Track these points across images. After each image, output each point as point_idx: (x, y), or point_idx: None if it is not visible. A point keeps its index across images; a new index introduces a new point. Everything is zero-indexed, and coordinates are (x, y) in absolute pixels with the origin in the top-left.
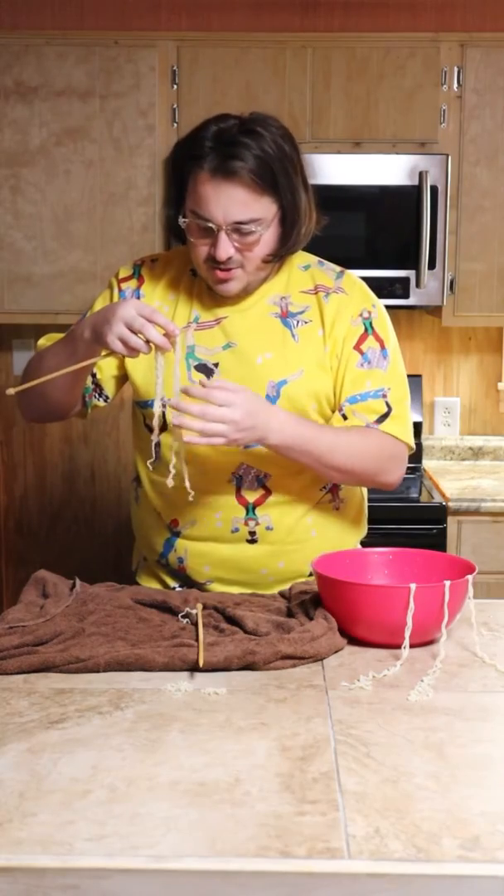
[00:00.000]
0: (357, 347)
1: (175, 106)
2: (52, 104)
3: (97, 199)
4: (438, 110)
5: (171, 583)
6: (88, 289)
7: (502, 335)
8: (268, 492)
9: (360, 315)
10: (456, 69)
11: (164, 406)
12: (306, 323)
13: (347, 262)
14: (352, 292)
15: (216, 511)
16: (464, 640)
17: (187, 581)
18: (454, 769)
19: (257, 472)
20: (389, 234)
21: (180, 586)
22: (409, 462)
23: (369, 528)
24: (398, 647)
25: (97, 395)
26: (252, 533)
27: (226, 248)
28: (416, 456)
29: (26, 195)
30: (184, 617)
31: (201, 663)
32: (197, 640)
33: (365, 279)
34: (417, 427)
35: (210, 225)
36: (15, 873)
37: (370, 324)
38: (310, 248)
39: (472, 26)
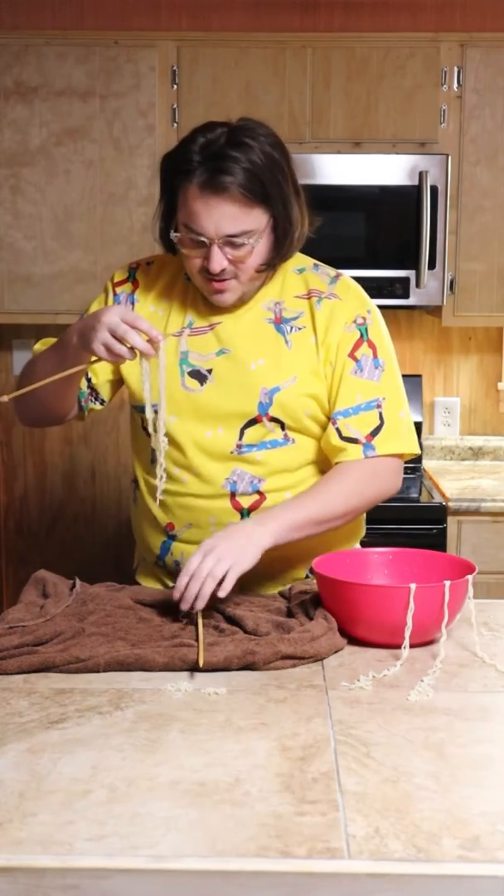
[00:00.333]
0: (352, 354)
1: (175, 106)
2: (52, 104)
3: (97, 199)
4: (438, 110)
5: (170, 583)
6: (88, 289)
7: (502, 335)
8: (262, 496)
9: (355, 321)
10: (456, 69)
11: (154, 411)
12: (300, 329)
13: (347, 262)
14: (346, 297)
15: (210, 516)
16: (464, 640)
17: None
18: (454, 769)
19: (252, 478)
20: (389, 234)
21: None
22: (410, 462)
23: (370, 528)
24: (398, 647)
25: (93, 399)
26: None
27: (219, 260)
28: (416, 456)
29: (26, 195)
30: (184, 616)
31: (201, 663)
32: (197, 640)
33: (365, 279)
34: (417, 427)
35: (202, 238)
36: (15, 873)
37: (365, 329)
38: (310, 249)
39: (472, 26)
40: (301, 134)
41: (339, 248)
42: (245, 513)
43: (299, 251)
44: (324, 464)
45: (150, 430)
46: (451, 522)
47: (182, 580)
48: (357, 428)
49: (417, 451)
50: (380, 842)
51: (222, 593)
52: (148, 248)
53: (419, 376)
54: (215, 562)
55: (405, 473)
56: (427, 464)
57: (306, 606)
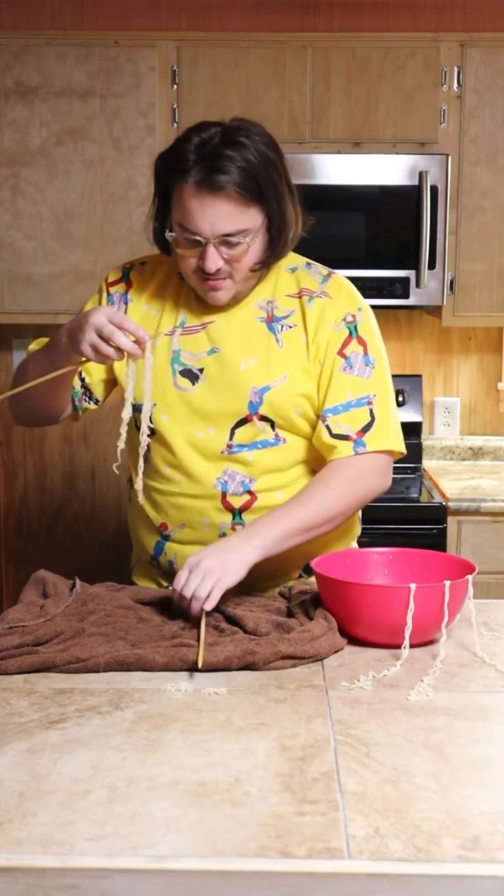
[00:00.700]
0: (341, 352)
1: (175, 106)
2: (52, 104)
3: (97, 199)
4: (438, 110)
5: (165, 583)
6: (88, 289)
7: (502, 335)
8: (253, 497)
9: (344, 319)
10: (456, 69)
11: (138, 410)
12: (291, 328)
13: (347, 263)
14: (337, 296)
15: (203, 516)
16: (464, 640)
17: None
18: (454, 769)
19: (243, 478)
20: (389, 234)
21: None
22: (410, 462)
23: (370, 528)
24: (398, 647)
25: (87, 399)
26: None
27: (214, 260)
28: (416, 456)
29: (26, 195)
30: (184, 615)
31: (200, 664)
32: (198, 640)
33: (365, 279)
34: (417, 427)
35: (197, 238)
36: (15, 873)
37: (355, 328)
38: (311, 249)
39: (472, 26)
40: (301, 134)
41: (339, 248)
42: (236, 513)
43: (294, 250)
44: (315, 463)
45: (144, 427)
46: (451, 522)
47: (174, 596)
48: (347, 424)
49: (404, 450)
50: (380, 842)
51: (208, 607)
52: (148, 247)
53: (419, 376)
54: (200, 579)
55: (405, 473)
56: (427, 464)
57: (306, 606)
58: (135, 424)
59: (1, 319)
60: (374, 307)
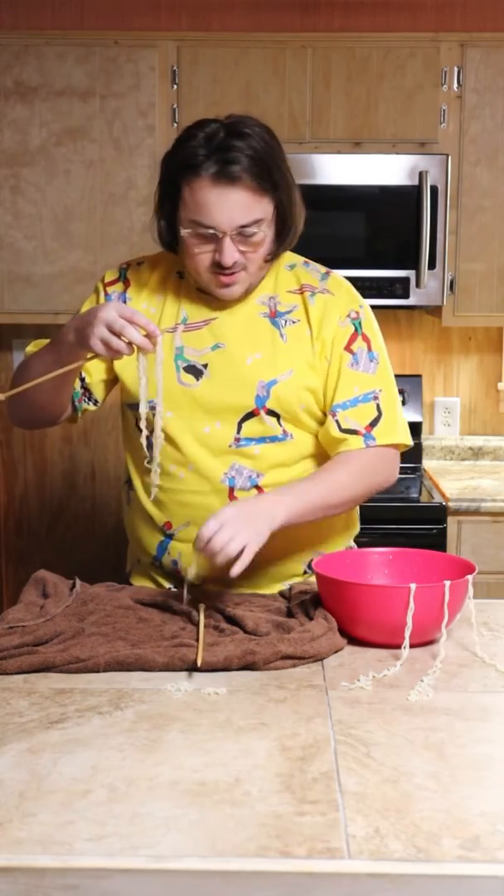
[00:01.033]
0: (347, 348)
1: (175, 106)
2: (52, 104)
3: (97, 199)
4: (438, 110)
5: (166, 584)
6: (88, 289)
7: (502, 335)
8: (261, 492)
9: (349, 316)
10: (456, 69)
11: (150, 408)
12: (294, 323)
13: (347, 262)
14: (338, 293)
15: (209, 512)
16: (464, 640)
17: (181, 583)
18: (454, 769)
19: (250, 472)
20: (389, 234)
21: (175, 588)
22: (410, 462)
23: (370, 528)
24: (398, 647)
25: (87, 400)
26: None
27: (231, 253)
28: (416, 456)
29: (26, 195)
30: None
31: (199, 663)
32: (197, 640)
33: (365, 279)
34: (417, 427)
35: (213, 232)
36: (15, 873)
37: (359, 324)
38: (311, 249)
39: (472, 26)
40: (301, 134)
41: (339, 248)
42: None
43: (294, 250)
44: (320, 458)
45: (143, 426)
46: (451, 522)
47: (198, 545)
48: (356, 419)
49: (411, 442)
50: (380, 842)
51: (235, 572)
52: (148, 248)
53: (419, 376)
54: (229, 539)
55: (405, 473)
56: (427, 464)
57: (306, 606)
58: (135, 424)
59: (1, 319)
60: (373, 307)
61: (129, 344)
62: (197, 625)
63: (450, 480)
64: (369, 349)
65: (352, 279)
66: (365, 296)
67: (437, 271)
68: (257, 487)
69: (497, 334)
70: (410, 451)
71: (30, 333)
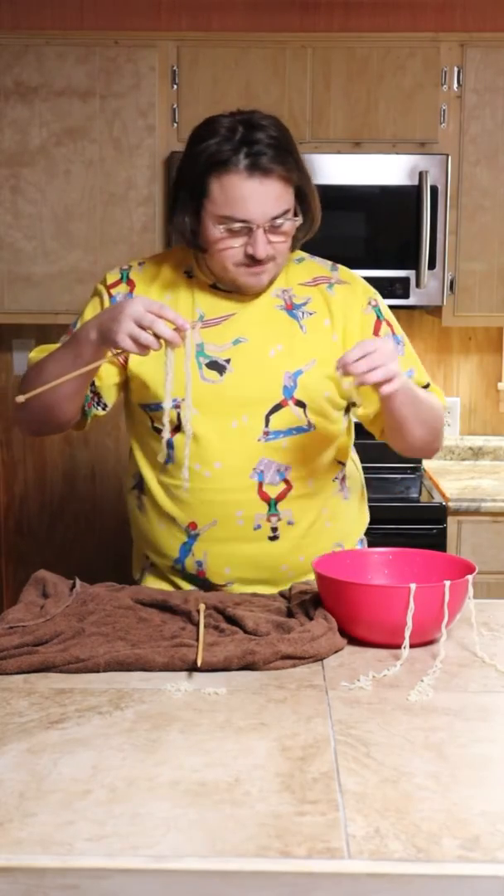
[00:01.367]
0: (376, 334)
1: (175, 106)
2: (52, 104)
3: (97, 199)
4: (438, 110)
5: (188, 587)
6: (88, 289)
7: (502, 335)
8: (289, 485)
9: (369, 304)
10: (456, 69)
11: (175, 406)
12: (311, 314)
13: (347, 262)
14: (353, 282)
15: (238, 509)
16: (464, 640)
17: (205, 584)
18: (454, 769)
19: (278, 466)
20: (389, 234)
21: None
22: (410, 462)
23: (370, 528)
24: (398, 647)
25: (96, 404)
26: (274, 529)
27: (265, 245)
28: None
29: (26, 195)
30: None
31: (199, 663)
32: (197, 640)
33: (365, 279)
34: None
35: (244, 226)
36: (15, 873)
37: (379, 310)
38: (311, 248)
39: (472, 26)
40: (301, 134)
41: (339, 248)
42: (272, 503)
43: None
44: (339, 452)
45: (167, 423)
46: (451, 522)
47: (354, 353)
48: None
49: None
50: (380, 842)
51: (391, 388)
52: (148, 247)
53: None
54: (383, 369)
55: (405, 473)
56: (427, 464)
57: (306, 606)
58: (151, 425)
59: (1, 319)
60: None
61: (157, 339)
62: (197, 625)
63: (450, 480)
64: (393, 333)
65: None
66: None
67: (437, 271)
68: (286, 481)
69: (497, 334)
70: None
71: (30, 333)
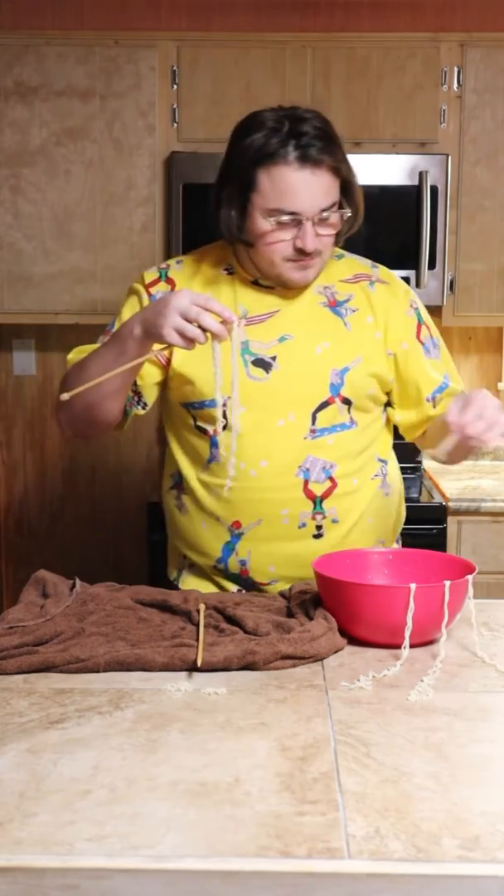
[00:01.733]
0: (418, 337)
1: (175, 106)
2: (52, 104)
3: (97, 199)
4: (438, 110)
5: (230, 587)
6: (88, 289)
7: (502, 335)
8: (334, 483)
9: (411, 306)
10: (456, 69)
11: (224, 403)
12: (354, 311)
13: None
14: (393, 283)
15: (283, 507)
16: (464, 640)
17: (248, 583)
18: (454, 769)
19: (324, 464)
20: (389, 233)
21: (239, 590)
22: (410, 462)
23: None
24: (398, 647)
25: (136, 403)
26: (318, 527)
27: (313, 238)
28: (416, 456)
29: (26, 195)
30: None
31: (199, 663)
32: (197, 639)
33: None
34: None
35: (294, 218)
36: (15, 873)
37: (419, 313)
38: None
39: (472, 26)
40: None
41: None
42: (318, 501)
43: None
44: (379, 449)
45: (219, 417)
46: (451, 522)
47: (468, 414)
48: (450, 399)
49: None
50: (380, 842)
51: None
52: (148, 248)
53: None
54: (500, 427)
55: (405, 473)
56: (427, 464)
57: (306, 606)
58: (193, 423)
59: (1, 319)
60: None
61: (204, 332)
62: (197, 625)
63: (450, 480)
64: (431, 336)
65: None
66: None
67: (437, 271)
68: (331, 479)
69: (497, 334)
70: (410, 451)
71: (30, 333)
